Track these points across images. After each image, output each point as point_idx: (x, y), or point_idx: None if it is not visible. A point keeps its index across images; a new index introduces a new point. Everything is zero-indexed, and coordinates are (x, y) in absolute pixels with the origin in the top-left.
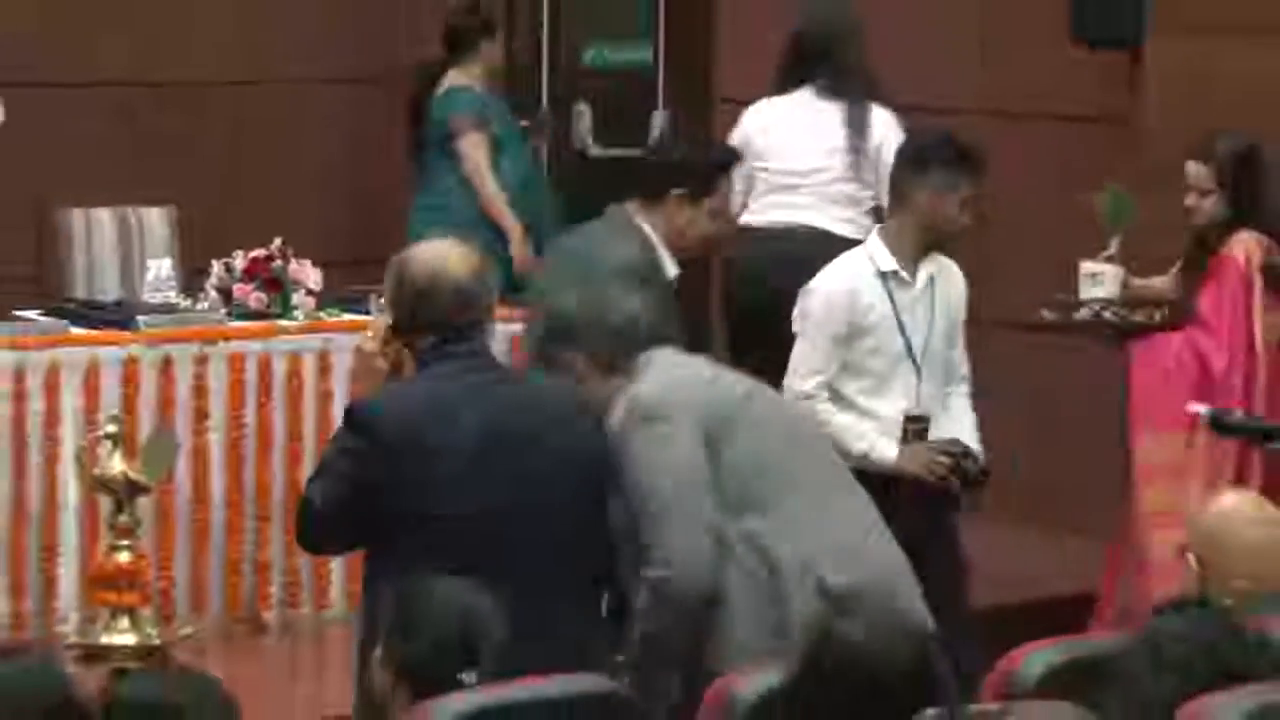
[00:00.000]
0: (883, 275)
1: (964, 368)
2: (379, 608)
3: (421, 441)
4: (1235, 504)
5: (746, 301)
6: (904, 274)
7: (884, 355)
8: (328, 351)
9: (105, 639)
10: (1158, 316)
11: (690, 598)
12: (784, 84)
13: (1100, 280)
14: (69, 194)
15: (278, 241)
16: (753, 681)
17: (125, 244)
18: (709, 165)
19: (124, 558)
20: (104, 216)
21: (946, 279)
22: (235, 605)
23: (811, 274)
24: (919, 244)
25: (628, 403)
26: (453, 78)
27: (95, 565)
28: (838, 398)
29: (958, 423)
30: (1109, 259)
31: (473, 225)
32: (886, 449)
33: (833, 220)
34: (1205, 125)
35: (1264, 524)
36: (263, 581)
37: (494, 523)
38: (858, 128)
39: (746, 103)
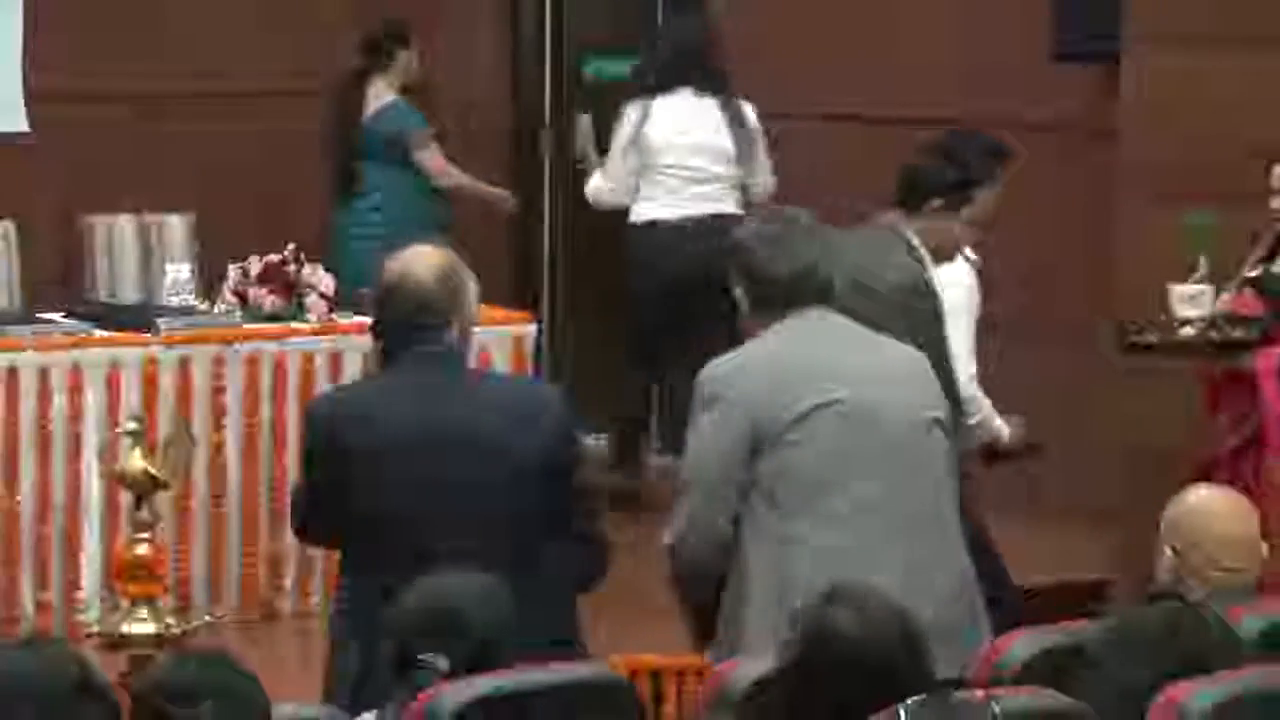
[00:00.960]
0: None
1: None
2: (342, 606)
3: (343, 440)
4: (1211, 499)
5: (665, 285)
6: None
7: None
8: (339, 352)
9: (126, 628)
10: (1255, 332)
11: (695, 566)
12: (662, 86)
13: (1199, 300)
14: (92, 203)
15: (291, 247)
16: (747, 668)
17: (145, 250)
18: (962, 179)
19: (144, 550)
20: (125, 224)
21: None
22: (250, 595)
23: (715, 253)
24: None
25: (701, 375)
26: (381, 89)
27: (116, 557)
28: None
29: None
30: (1202, 279)
31: (425, 225)
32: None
33: (729, 204)
34: (1181, 135)
35: (1238, 519)
36: (276, 573)
37: (415, 522)
38: (736, 121)
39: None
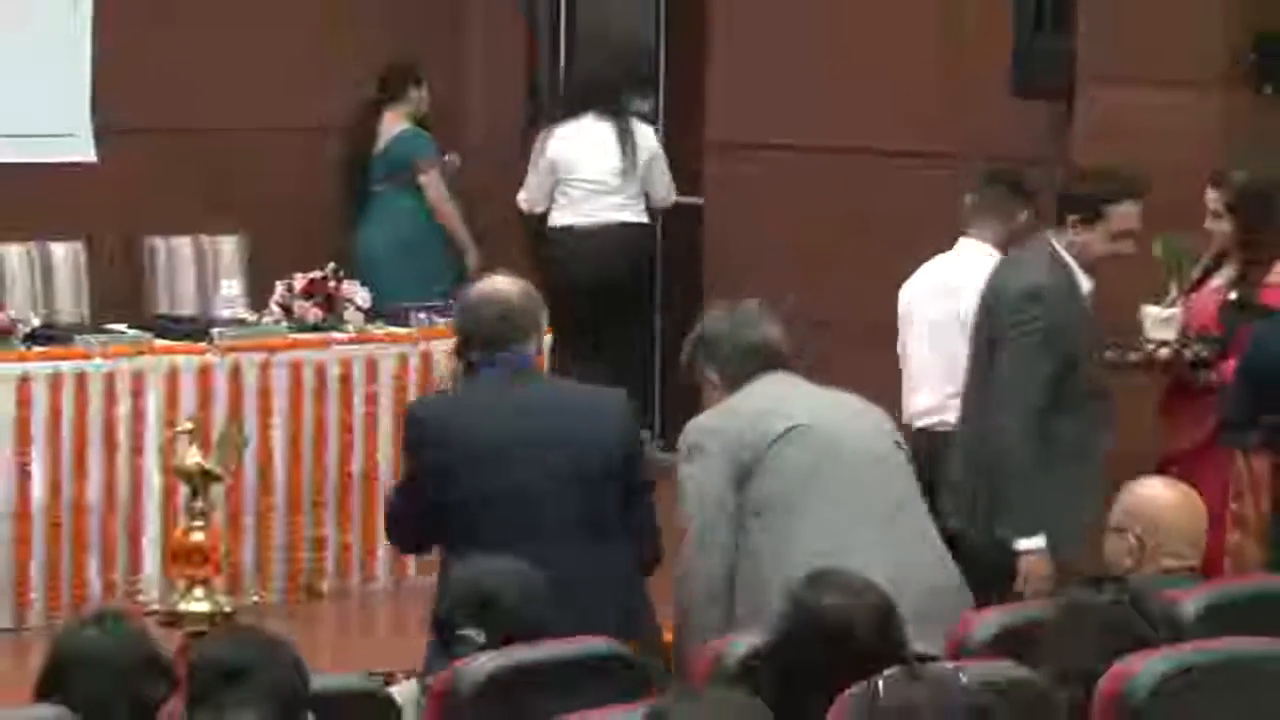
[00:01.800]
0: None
1: None
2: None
3: (448, 434)
4: (1167, 491)
5: (578, 283)
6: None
7: None
8: (374, 359)
9: (183, 606)
10: (1216, 348)
11: (699, 598)
12: (571, 113)
13: (1171, 322)
14: (154, 225)
15: (330, 266)
16: (740, 643)
17: (201, 268)
18: (1091, 196)
19: (199, 537)
20: (183, 244)
21: None
22: (295, 577)
23: (621, 256)
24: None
25: (686, 428)
26: (395, 120)
27: (174, 543)
28: None
29: None
30: (1173, 302)
31: (428, 243)
32: None
33: (632, 214)
34: (1128, 164)
35: (1195, 514)
36: (319, 557)
37: (512, 504)
38: (632, 143)
39: (732, 145)
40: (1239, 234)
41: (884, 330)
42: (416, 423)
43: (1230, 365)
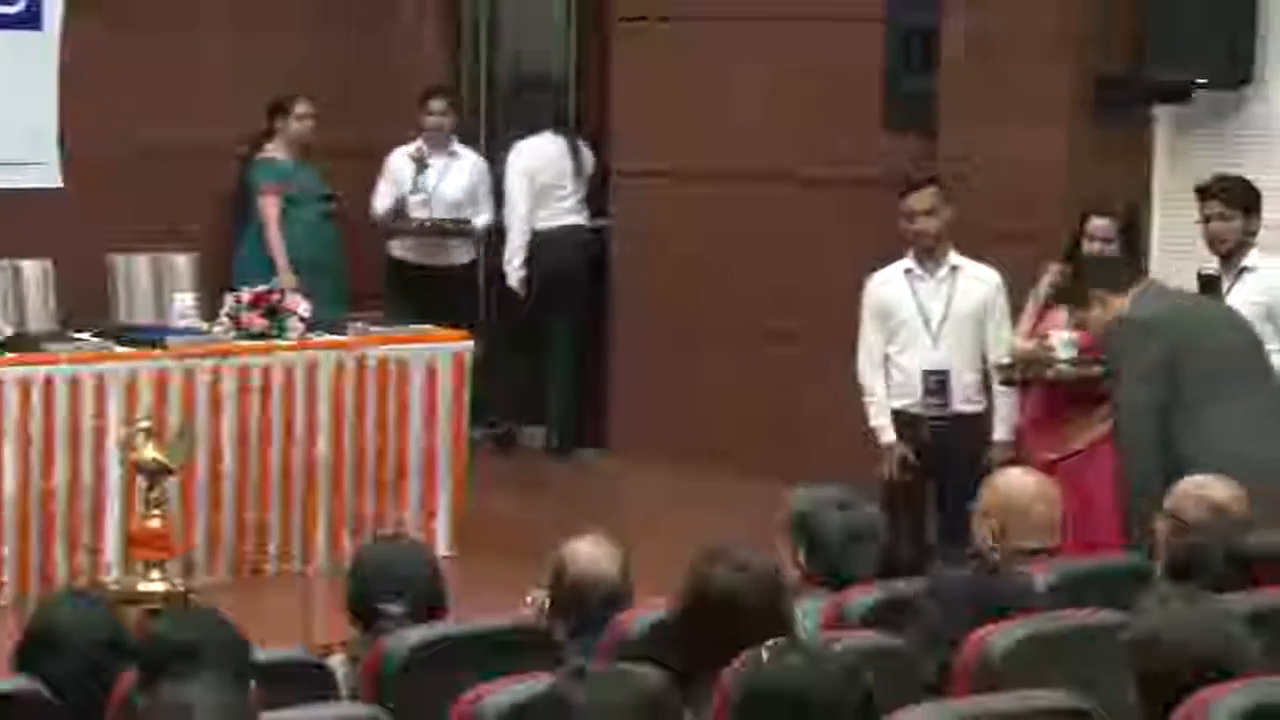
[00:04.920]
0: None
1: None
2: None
3: None
4: (1025, 479)
5: (546, 277)
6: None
7: None
8: (314, 364)
9: (140, 586)
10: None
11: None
12: (529, 130)
13: (1074, 343)
14: (115, 243)
15: (275, 279)
16: (643, 616)
17: (157, 282)
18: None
19: (155, 524)
20: (142, 260)
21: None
22: (242, 560)
23: (578, 255)
24: None
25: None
26: (267, 149)
27: (133, 529)
28: None
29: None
30: (1076, 326)
31: (266, 266)
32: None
33: (582, 218)
34: (984, 194)
35: (1045, 497)
36: (263, 542)
37: None
38: (581, 156)
39: (632, 173)
40: (1126, 254)
41: (772, 334)
42: None
43: None
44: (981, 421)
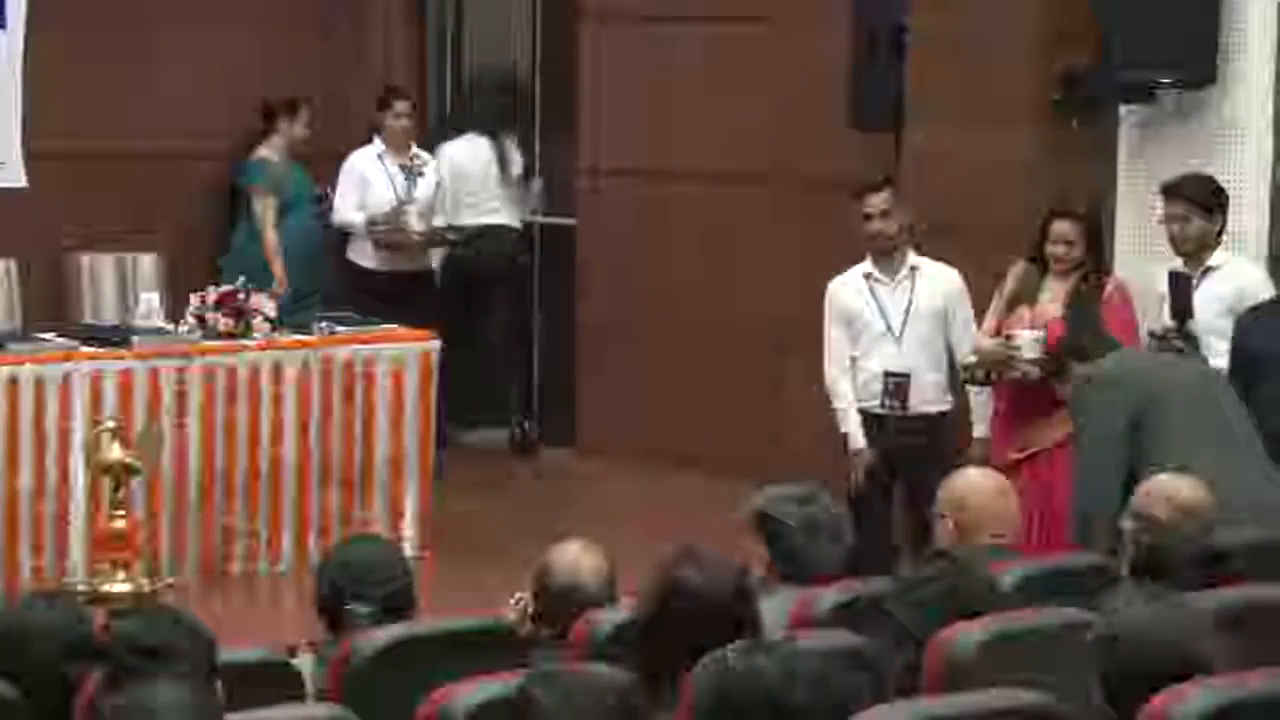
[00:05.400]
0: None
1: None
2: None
3: None
4: (982, 479)
5: (468, 277)
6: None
7: None
8: (280, 364)
9: (106, 587)
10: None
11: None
12: (455, 130)
13: (1039, 341)
14: (80, 243)
15: (241, 279)
16: (608, 616)
17: (122, 281)
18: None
19: (120, 524)
20: (106, 260)
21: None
22: (208, 561)
23: (503, 252)
24: None
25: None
26: (261, 149)
27: (98, 530)
28: None
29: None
30: (1037, 327)
31: (261, 266)
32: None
33: (508, 217)
34: (950, 193)
35: (1003, 495)
36: (229, 542)
37: None
38: (508, 156)
39: (600, 171)
40: (1091, 257)
41: (742, 333)
42: None
43: None
44: (949, 421)
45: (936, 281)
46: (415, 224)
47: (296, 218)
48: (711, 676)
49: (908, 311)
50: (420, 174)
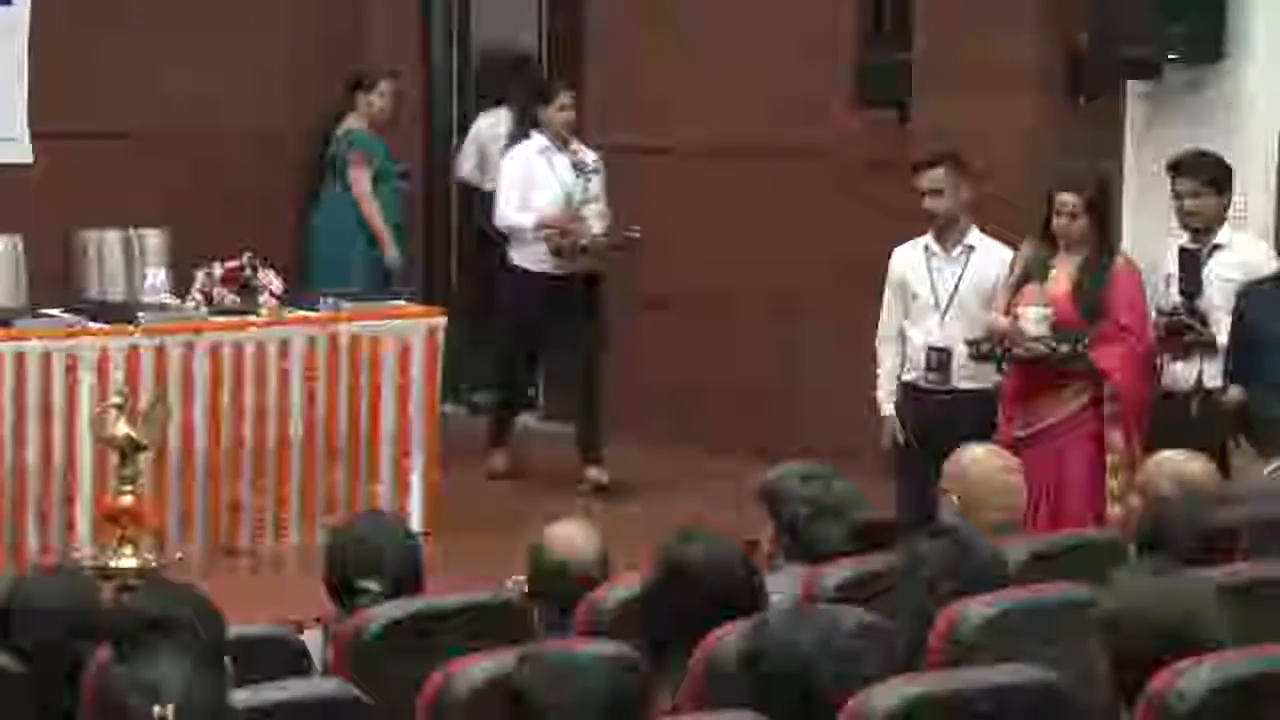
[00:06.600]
0: None
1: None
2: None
3: None
4: (986, 455)
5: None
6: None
7: None
8: (287, 339)
9: (113, 562)
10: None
11: None
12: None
13: (1047, 318)
14: (88, 219)
15: (247, 255)
16: (615, 592)
17: (129, 258)
18: None
19: (127, 500)
20: (113, 237)
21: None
22: (215, 536)
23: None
24: None
25: None
26: (350, 120)
27: (105, 505)
28: None
29: None
30: (1046, 304)
31: (354, 233)
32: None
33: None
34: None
35: (1007, 471)
36: (236, 518)
37: None
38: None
39: (607, 146)
40: (1100, 233)
41: (745, 305)
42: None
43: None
44: (988, 398)
45: (989, 261)
46: (597, 225)
47: (382, 188)
48: (748, 638)
49: (956, 288)
50: (596, 170)
